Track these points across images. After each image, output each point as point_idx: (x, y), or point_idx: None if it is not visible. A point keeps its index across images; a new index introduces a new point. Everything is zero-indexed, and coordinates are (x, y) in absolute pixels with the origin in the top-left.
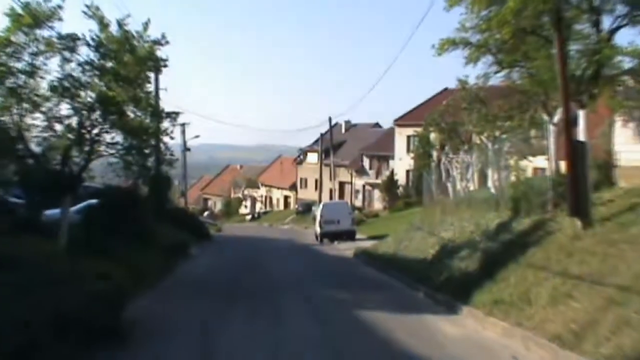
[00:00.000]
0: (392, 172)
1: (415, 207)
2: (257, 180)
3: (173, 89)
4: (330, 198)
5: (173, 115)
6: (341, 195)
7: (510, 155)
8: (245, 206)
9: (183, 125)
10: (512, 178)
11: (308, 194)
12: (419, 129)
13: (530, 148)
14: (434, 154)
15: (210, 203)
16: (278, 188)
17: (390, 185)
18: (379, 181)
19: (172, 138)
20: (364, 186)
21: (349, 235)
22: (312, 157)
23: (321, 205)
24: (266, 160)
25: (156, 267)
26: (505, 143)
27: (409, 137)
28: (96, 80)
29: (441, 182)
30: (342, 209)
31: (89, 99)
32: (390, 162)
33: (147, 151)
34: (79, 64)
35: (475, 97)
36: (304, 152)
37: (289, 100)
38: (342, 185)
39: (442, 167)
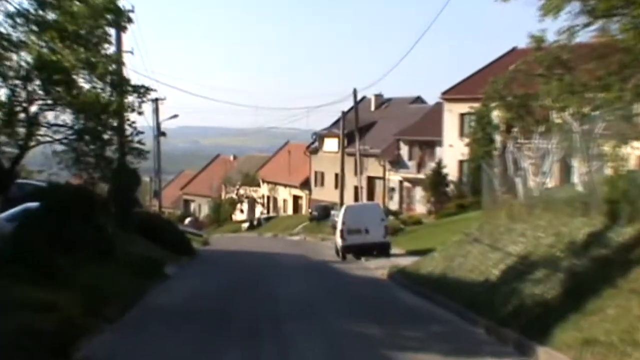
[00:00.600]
0: (439, 164)
1: (470, 211)
2: (257, 175)
3: (143, 52)
4: (356, 199)
5: (142, 89)
6: (370, 196)
7: (605, 139)
8: (241, 211)
9: (156, 101)
10: (608, 171)
11: (325, 193)
12: (477, 105)
13: (634, 129)
14: (498, 138)
15: (193, 207)
16: (285, 186)
17: (436, 181)
18: (421, 176)
19: (140, 113)
20: (401, 183)
21: (382, 250)
22: (331, 144)
23: (343, 209)
24: (269, 149)
25: (120, 293)
26: (598, 123)
27: (462, 115)
28: (33, 38)
29: (507, 177)
30: (372, 213)
31: (23, 64)
32: (437, 149)
33: (106, 136)
34: (8, 16)
35: (555, 59)
36: (319, 138)
37: (298, 71)
38: (371, 181)
39: (508, 157)
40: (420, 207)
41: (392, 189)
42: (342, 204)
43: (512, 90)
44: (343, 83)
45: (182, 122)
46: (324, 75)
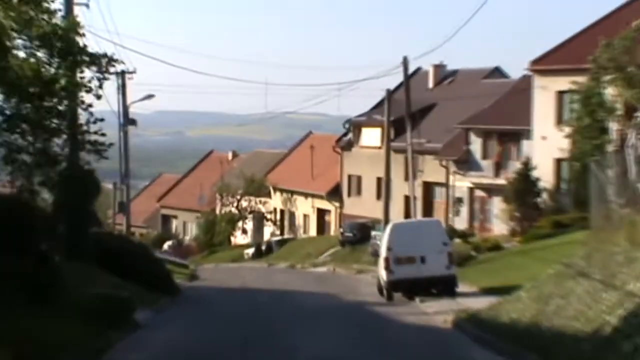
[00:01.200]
0: (526, 164)
1: (573, 232)
2: (266, 180)
3: (105, 6)
4: (407, 215)
5: (104, 59)
6: (428, 210)
7: None
8: (244, 231)
9: (122, 75)
10: None
11: (363, 206)
12: (582, 79)
13: None
14: (613, 126)
15: (175, 225)
16: (306, 196)
17: (523, 188)
18: (500, 181)
19: (99, 97)
20: (471, 191)
21: (444, 287)
22: (371, 136)
23: (389, 229)
24: (283, 143)
25: (67, 351)
26: None
27: (560, 94)
28: None
29: (627, 183)
30: (430, 235)
31: None
32: (524, 143)
33: (52, 124)
34: None
35: None
36: (355, 127)
37: (324, 33)
38: (429, 189)
39: (629, 153)
40: (499, 226)
41: (459, 200)
42: (386, 221)
43: (635, 57)
44: (388, 52)
45: (160, 106)
46: (362, 39)
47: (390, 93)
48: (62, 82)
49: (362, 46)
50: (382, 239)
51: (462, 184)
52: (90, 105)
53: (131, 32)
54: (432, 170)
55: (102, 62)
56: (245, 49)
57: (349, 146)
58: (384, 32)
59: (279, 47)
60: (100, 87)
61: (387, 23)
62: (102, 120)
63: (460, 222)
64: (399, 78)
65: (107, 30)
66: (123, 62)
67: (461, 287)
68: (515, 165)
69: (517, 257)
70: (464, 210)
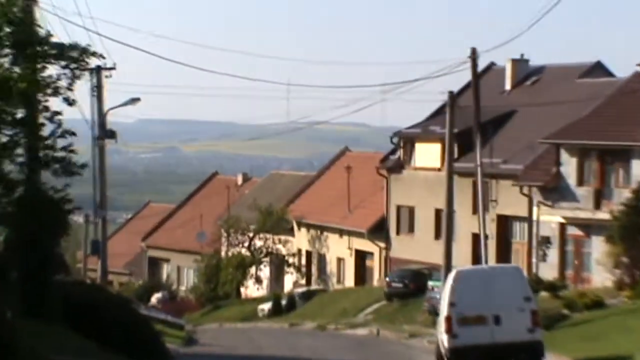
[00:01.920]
0: (637, 192)
1: None
2: (288, 212)
3: None
4: (476, 260)
5: (74, 51)
6: (504, 252)
7: None
8: (258, 279)
9: (98, 72)
10: None
11: (416, 246)
12: None
13: None
14: None
15: (166, 270)
16: (340, 233)
17: (633, 224)
18: (602, 215)
19: (71, 103)
20: (562, 227)
21: (528, 356)
22: (427, 154)
23: (452, 278)
24: (309, 163)
25: None
26: None
27: None
28: None
29: None
30: (507, 287)
31: None
32: (634, 165)
33: (3, 138)
34: None
35: None
36: (404, 142)
37: (359, 22)
38: (504, 224)
39: None
40: (600, 275)
41: (546, 240)
42: (448, 267)
43: None
44: (447, 43)
45: (147, 113)
46: (412, 27)
47: (453, 97)
48: (19, 82)
49: (413, 36)
50: (443, 292)
51: (550, 218)
52: (57, 113)
53: (110, 16)
54: (509, 200)
55: (71, 56)
56: (261, 41)
57: (397, 167)
58: (442, 18)
59: (304, 38)
60: (70, 88)
61: (445, 6)
62: (72, 134)
63: (548, 270)
64: (464, 77)
65: (77, 13)
66: (102, 56)
67: (549, 358)
68: (622, 194)
69: (627, 318)
70: (553, 253)
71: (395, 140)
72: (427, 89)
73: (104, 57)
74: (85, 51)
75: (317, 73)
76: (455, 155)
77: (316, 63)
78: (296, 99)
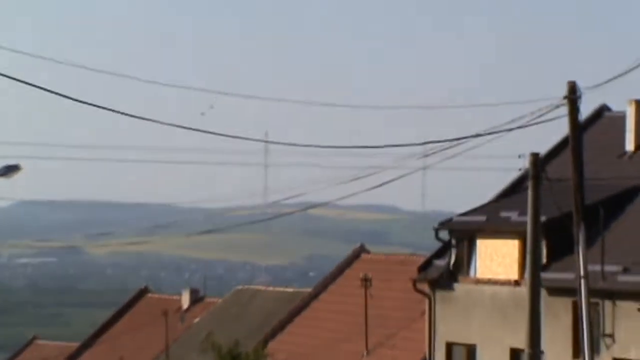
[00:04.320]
0: None
1: None
2: (263, 356)
3: None
4: None
5: None
6: None
7: None
8: None
9: None
10: None
11: None
12: None
13: None
14: None
15: None
16: None
17: None
18: None
19: None
20: None
21: None
22: (497, 256)
23: None
24: (300, 272)
25: None
26: None
27: None
28: None
29: None
30: None
31: None
32: None
33: None
34: None
35: None
36: (457, 237)
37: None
38: None
39: None
40: None
41: None
42: None
43: None
44: (525, 78)
45: (33, 191)
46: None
47: (538, 164)
48: None
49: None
50: None
51: None
52: None
53: None
54: (634, 334)
55: None
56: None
57: (447, 280)
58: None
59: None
60: None
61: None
62: None
63: None
64: (556, 130)
65: None
66: None
67: None
68: None
69: None
70: None
71: (442, 234)
72: (492, 150)
73: None
74: None
75: (315, 121)
76: (544, 260)
77: (312, 104)
78: (280, 168)
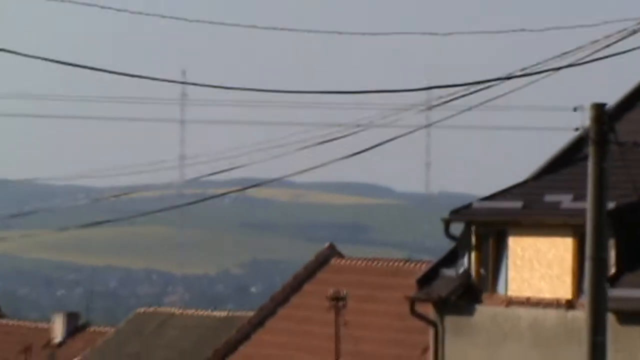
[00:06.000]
0: None
1: None
2: None
3: None
4: None
5: None
6: None
7: None
8: None
9: None
10: None
11: None
12: None
13: None
14: None
15: None
16: None
17: None
18: None
19: None
20: None
21: None
22: (540, 263)
23: None
24: (236, 286)
25: None
26: None
27: None
28: None
29: None
30: None
31: None
32: None
33: None
34: None
35: None
36: (477, 232)
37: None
38: None
39: None
40: None
41: None
42: None
43: None
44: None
45: None
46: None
47: (605, 120)
48: None
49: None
50: None
51: None
52: None
53: None
54: None
55: None
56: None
57: (463, 299)
58: None
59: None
60: None
61: None
62: None
63: None
64: (625, 73)
65: None
66: None
67: None
68: None
69: None
70: None
71: (455, 228)
72: (530, 100)
73: None
74: None
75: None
76: (611, 269)
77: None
78: (203, 125)
